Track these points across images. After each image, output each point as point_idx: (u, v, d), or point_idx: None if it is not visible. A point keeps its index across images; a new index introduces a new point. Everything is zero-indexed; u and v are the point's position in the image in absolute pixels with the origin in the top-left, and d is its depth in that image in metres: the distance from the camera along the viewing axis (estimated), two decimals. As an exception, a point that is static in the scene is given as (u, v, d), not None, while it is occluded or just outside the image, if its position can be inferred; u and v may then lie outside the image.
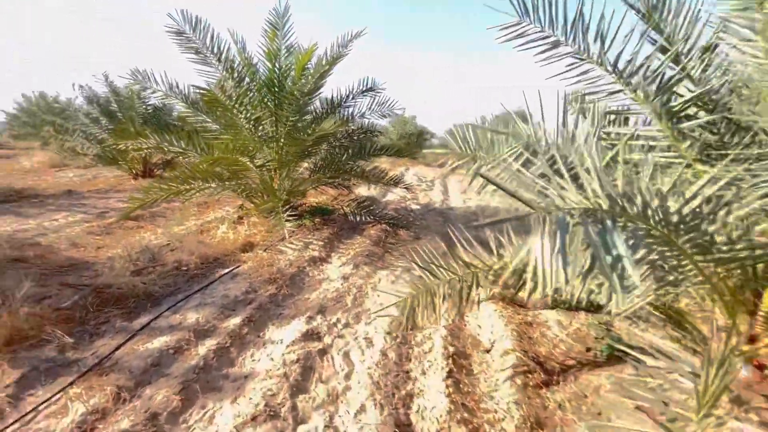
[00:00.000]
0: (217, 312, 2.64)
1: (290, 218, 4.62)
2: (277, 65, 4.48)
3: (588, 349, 2.59)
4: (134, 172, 8.86)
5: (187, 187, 4.07)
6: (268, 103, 4.53)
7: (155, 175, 9.04)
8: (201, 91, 3.70)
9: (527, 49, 2.13)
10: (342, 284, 3.31)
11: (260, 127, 4.49)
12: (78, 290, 2.64)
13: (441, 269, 2.22)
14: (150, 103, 8.51)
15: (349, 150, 5.26)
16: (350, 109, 5.17)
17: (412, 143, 19.27)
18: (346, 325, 2.64)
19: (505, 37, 2.09)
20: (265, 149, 4.71)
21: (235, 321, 2.55)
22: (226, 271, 3.36)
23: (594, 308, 3.03)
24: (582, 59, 2.04)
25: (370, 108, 5.08)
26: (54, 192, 6.87)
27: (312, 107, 5.04)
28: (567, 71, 2.09)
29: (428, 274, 2.25)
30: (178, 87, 4.80)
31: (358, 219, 5.21)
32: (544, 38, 2.08)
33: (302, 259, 3.78)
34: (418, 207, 7.05)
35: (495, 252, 2.39)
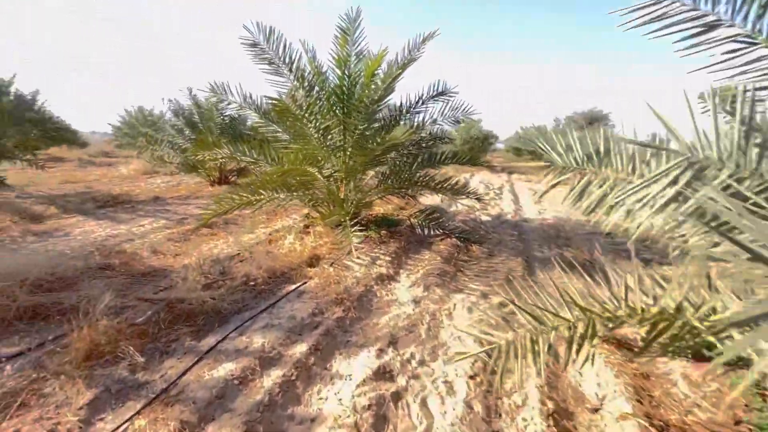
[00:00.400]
0: (283, 336, 2.47)
1: (356, 231, 4.45)
2: (346, 72, 4.34)
3: (737, 422, 1.99)
4: (211, 179, 9.43)
5: (257, 197, 4.05)
6: (337, 112, 4.40)
7: (230, 182, 9.54)
8: (272, 102, 3.66)
9: (668, 34, 1.67)
10: (413, 309, 3.00)
11: (329, 137, 4.37)
12: (153, 304, 2.65)
13: (546, 313, 1.80)
14: (227, 114, 9.01)
15: (418, 158, 4.96)
16: (420, 116, 4.88)
17: (477, 148, 18.52)
18: (422, 363, 2.32)
19: (638, 20, 1.65)
20: (332, 159, 4.59)
21: (301, 348, 2.36)
22: (293, 288, 3.22)
23: (738, 362, 2.37)
24: (754, 42, 1.53)
25: (441, 113, 4.74)
26: (144, 198, 7.48)
27: (380, 115, 4.84)
28: (725, 60, 1.60)
29: (529, 317, 1.85)
30: (251, 98, 4.88)
31: (426, 232, 4.88)
32: (695, 18, 1.61)
33: (369, 277, 3.54)
34: (489, 218, 6.52)
35: (610, 287, 1.90)
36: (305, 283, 3.34)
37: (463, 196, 4.82)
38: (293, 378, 2.10)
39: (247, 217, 5.99)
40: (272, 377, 2.09)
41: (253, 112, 4.73)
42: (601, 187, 1.87)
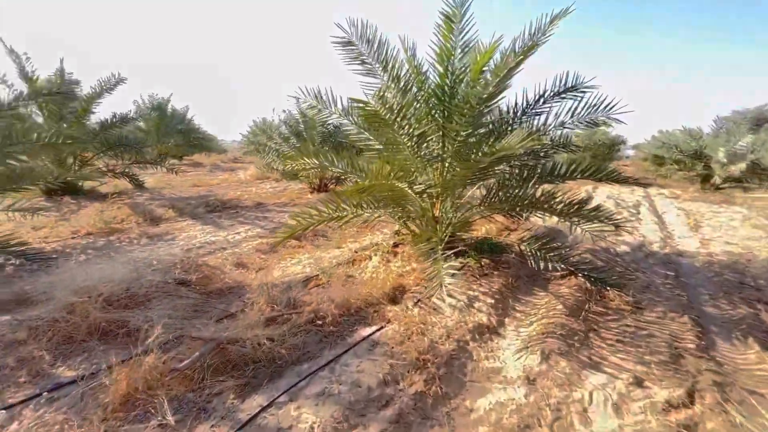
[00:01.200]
0: (339, 416, 1.84)
1: (451, 262, 3.68)
2: (449, 68, 3.60)
3: None
4: (312, 186, 9.60)
5: (338, 214, 3.57)
6: (435, 115, 3.68)
7: (329, 189, 9.59)
8: (358, 103, 3.13)
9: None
10: (526, 392, 2.09)
11: (423, 145, 3.67)
12: (205, 343, 2.27)
13: None
14: (329, 122, 9.04)
15: (535, 170, 3.94)
16: (541, 118, 3.86)
17: (602, 156, 15.84)
18: None
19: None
20: (427, 171, 3.88)
21: (360, 443, 1.69)
22: (366, 335, 2.59)
23: None
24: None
25: (571, 113, 3.65)
26: (248, 204, 7.84)
27: (488, 118, 3.97)
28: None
29: None
30: (343, 104, 4.48)
31: (541, 265, 3.82)
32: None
33: (464, 327, 2.72)
34: (627, 249, 5.04)
35: None
36: (382, 328, 2.68)
37: (598, 222, 3.63)
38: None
39: (337, 228, 5.66)
40: (312, 493, 1.46)
41: (343, 118, 4.31)
42: None
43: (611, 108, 3.43)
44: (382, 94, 3.18)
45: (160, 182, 10.10)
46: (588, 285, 3.53)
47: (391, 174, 3.19)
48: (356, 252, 4.68)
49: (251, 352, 2.25)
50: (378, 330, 2.65)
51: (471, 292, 3.29)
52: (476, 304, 3.09)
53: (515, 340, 2.67)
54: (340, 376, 2.15)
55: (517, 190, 3.62)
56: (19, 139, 5.21)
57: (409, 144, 3.56)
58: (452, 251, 4.17)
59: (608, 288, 3.46)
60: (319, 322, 2.66)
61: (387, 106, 3.20)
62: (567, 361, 2.36)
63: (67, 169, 7.96)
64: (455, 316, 2.88)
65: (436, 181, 3.84)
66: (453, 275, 2.78)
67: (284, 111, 10.27)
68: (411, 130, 3.46)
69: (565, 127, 3.71)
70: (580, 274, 3.65)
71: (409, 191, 3.45)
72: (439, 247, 3.09)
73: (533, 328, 2.81)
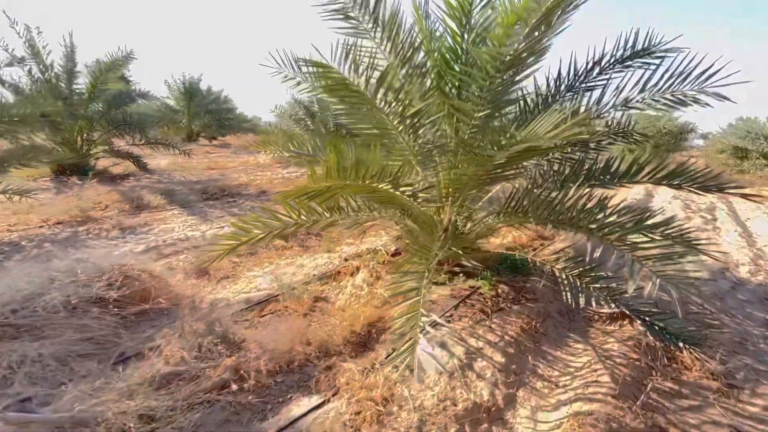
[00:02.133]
0: None
1: (458, 277, 2.76)
2: (466, 24, 2.58)
3: None
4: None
5: (298, 222, 2.71)
6: (443, 89, 2.67)
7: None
8: (317, 68, 2.18)
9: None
10: None
11: (422, 131, 2.68)
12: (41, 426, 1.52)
13: None
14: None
15: (581, 167, 2.84)
16: (594, 94, 2.74)
17: (666, 146, 13.74)
18: None
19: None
20: (432, 166, 2.89)
21: None
22: (292, 418, 1.73)
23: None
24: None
25: (642, 87, 2.49)
26: (252, 191, 7.18)
27: (519, 93, 2.88)
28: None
29: None
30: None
31: (578, 300, 2.76)
32: None
33: (449, 411, 1.79)
34: (704, 274, 3.79)
35: None
36: (322, 404, 1.81)
37: (680, 243, 2.47)
38: None
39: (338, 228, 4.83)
40: None
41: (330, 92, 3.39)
42: None
43: (709, 78, 2.23)
44: (355, 56, 2.22)
45: (173, 164, 9.74)
46: (650, 337, 2.44)
47: (369, 170, 2.26)
48: (346, 260, 3.83)
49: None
50: (316, 408, 1.78)
51: (474, 340, 2.32)
52: (478, 363, 2.13)
53: (530, 441, 1.71)
54: None
55: (551, 195, 2.55)
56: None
57: (400, 128, 2.58)
58: (461, 270, 3.23)
59: (681, 345, 2.36)
60: (235, 387, 1.84)
61: (363, 73, 2.24)
62: (613, 507, 1.37)
63: (76, 150, 7.71)
64: (441, 385, 1.95)
65: (443, 181, 2.85)
66: (434, 325, 1.84)
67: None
68: (402, 109, 2.47)
69: (629, 107, 2.55)
70: (636, 318, 2.56)
71: (398, 193, 2.49)
72: (427, 275, 2.12)
73: (561, 417, 1.82)
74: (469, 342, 2.30)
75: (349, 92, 2.27)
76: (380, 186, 2.36)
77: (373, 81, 2.25)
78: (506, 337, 2.39)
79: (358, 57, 2.24)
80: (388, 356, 2.13)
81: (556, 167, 3.02)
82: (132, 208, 5.42)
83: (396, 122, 2.55)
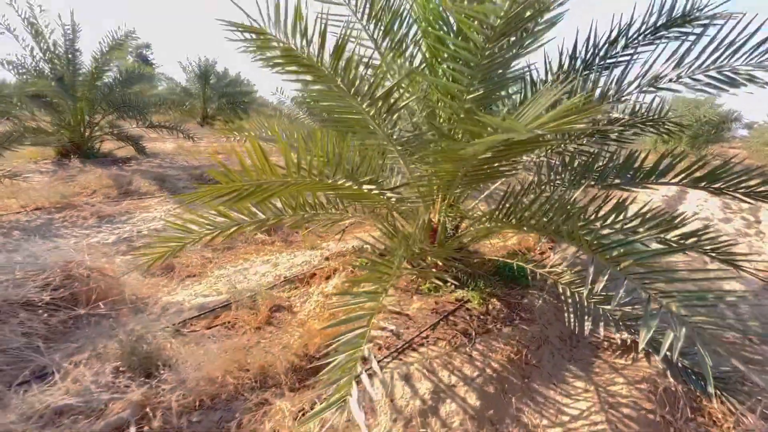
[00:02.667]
0: None
1: (444, 282, 2.37)
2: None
3: None
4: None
5: (230, 223, 2.33)
6: (432, 65, 2.20)
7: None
8: (246, 33, 1.73)
9: None
10: None
11: (397, 115, 2.23)
12: None
13: None
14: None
15: (594, 163, 2.33)
16: (615, 72, 2.20)
17: (705, 137, 12.59)
18: None
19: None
20: (407, 158, 2.44)
21: None
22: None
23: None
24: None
25: (676, 62, 1.94)
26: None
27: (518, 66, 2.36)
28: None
29: None
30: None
31: (583, 321, 2.28)
32: None
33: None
34: (739, 287, 3.20)
35: None
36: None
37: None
38: None
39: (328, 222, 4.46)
40: None
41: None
42: None
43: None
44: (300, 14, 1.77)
45: (179, 148, 9.57)
46: (669, 378, 1.96)
47: (316, 162, 1.84)
48: (327, 259, 3.46)
49: None
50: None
51: (447, 374, 1.90)
52: (446, 407, 1.72)
53: None
54: None
55: (546, 198, 2.05)
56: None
57: (371, 112, 2.13)
58: (451, 277, 2.80)
59: (710, 390, 1.87)
60: (133, 431, 1.50)
61: (312, 38, 1.80)
62: None
63: (78, 133, 7.61)
64: (394, 438, 1.55)
65: (427, 177, 2.40)
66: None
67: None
68: (369, 89, 2.03)
69: (658, 88, 2.00)
70: (654, 353, 2.08)
71: (364, 191, 2.06)
72: (384, 295, 1.70)
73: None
74: (441, 376, 1.89)
75: (291, 57, 1.83)
76: (340, 183, 1.94)
77: (321, 51, 1.80)
78: (488, 371, 1.96)
79: (321, 24, 1.79)
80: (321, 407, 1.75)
81: (563, 163, 2.51)
82: (119, 194, 5.22)
83: (365, 106, 2.11)
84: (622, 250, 1.57)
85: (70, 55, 7.31)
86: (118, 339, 1.91)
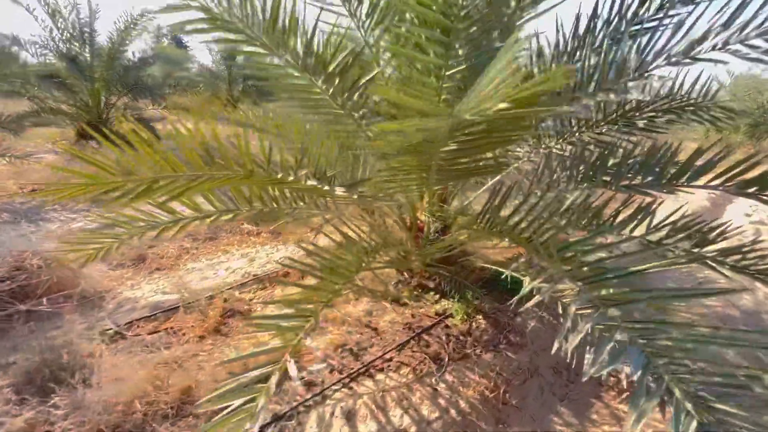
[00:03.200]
0: None
1: (428, 290, 2.04)
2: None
3: None
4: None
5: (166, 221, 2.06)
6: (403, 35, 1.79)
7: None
8: None
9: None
10: None
11: (357, 94, 1.84)
12: None
13: None
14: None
15: (608, 157, 1.85)
16: (642, 40, 1.70)
17: (766, 127, 11.12)
18: None
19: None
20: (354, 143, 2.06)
21: None
22: None
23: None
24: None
25: (727, 23, 1.43)
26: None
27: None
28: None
29: None
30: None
31: (585, 353, 1.86)
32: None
33: None
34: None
35: None
36: None
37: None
38: None
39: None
40: None
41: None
42: None
43: None
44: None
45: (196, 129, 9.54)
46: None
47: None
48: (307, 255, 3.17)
49: None
50: None
51: (400, 413, 1.56)
52: (388, 459, 1.39)
53: None
54: None
55: (534, 204, 1.63)
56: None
57: (324, 86, 1.76)
58: (435, 285, 2.44)
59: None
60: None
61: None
62: None
63: (95, 113, 7.69)
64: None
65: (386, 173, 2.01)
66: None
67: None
68: (318, 61, 1.65)
69: (695, 58, 1.49)
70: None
71: (316, 187, 1.72)
72: (312, 323, 1.36)
73: None
74: (391, 416, 1.55)
75: (216, 22, 1.49)
76: (281, 177, 1.60)
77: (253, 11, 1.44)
78: (452, 412, 1.60)
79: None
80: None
81: (571, 157, 2.05)
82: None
83: (318, 80, 1.74)
84: (615, 283, 1.15)
85: (87, 36, 7.32)
86: (31, 346, 1.71)
